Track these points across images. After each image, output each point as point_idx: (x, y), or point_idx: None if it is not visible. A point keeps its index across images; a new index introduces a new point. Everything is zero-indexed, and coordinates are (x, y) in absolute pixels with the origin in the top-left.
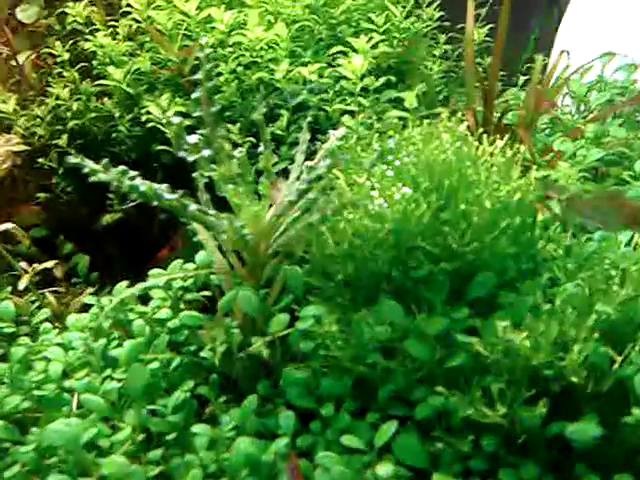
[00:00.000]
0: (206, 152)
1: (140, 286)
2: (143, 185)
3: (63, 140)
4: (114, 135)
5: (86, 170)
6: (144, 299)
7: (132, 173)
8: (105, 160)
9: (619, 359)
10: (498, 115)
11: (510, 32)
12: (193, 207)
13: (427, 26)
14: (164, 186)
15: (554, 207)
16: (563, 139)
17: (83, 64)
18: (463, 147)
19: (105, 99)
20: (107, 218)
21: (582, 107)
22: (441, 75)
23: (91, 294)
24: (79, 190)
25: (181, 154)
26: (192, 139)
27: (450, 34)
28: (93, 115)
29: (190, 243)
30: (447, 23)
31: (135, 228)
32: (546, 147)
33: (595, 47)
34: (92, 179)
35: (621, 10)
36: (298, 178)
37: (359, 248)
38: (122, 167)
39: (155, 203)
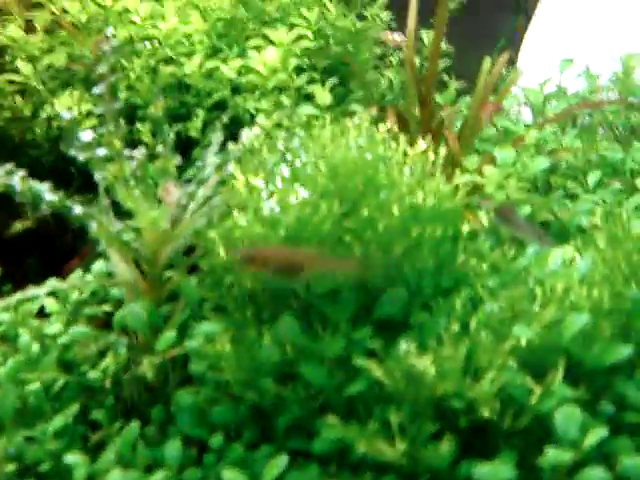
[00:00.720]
0: (100, 151)
1: (17, 296)
2: (19, 184)
3: None
4: (29, 137)
5: None
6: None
7: (20, 173)
8: None
9: (539, 390)
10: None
11: (476, 39)
12: (77, 210)
13: (372, 28)
14: (45, 185)
15: (481, 217)
16: (504, 146)
17: None
18: (375, 147)
19: (17, 97)
20: (17, 226)
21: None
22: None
23: None
24: None
25: (72, 153)
26: (86, 136)
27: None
28: (7, 115)
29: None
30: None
31: (50, 237)
32: (486, 155)
33: (561, 55)
34: None
35: (587, 17)
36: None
37: None
38: (9, 166)
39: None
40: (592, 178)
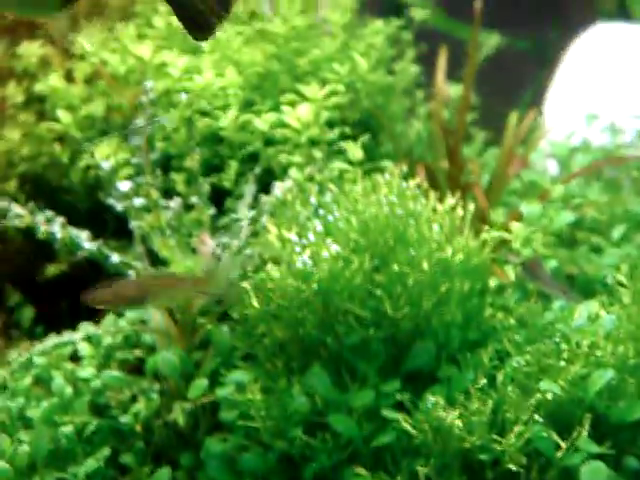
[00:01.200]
0: (137, 201)
1: (53, 341)
2: (60, 232)
3: (11, 185)
4: (66, 182)
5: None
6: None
7: (59, 220)
8: (31, 204)
9: (564, 445)
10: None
11: (501, 91)
12: (115, 258)
13: (401, 81)
14: (84, 234)
15: (509, 272)
16: (530, 201)
17: (38, 106)
18: (404, 203)
19: (56, 144)
20: (52, 269)
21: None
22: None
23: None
24: (30, 239)
25: (110, 202)
26: (124, 186)
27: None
28: (45, 160)
29: None
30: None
31: (84, 280)
32: (513, 210)
33: (585, 106)
34: (6, 223)
35: (612, 71)
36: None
37: (285, 309)
38: (49, 213)
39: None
40: (617, 232)
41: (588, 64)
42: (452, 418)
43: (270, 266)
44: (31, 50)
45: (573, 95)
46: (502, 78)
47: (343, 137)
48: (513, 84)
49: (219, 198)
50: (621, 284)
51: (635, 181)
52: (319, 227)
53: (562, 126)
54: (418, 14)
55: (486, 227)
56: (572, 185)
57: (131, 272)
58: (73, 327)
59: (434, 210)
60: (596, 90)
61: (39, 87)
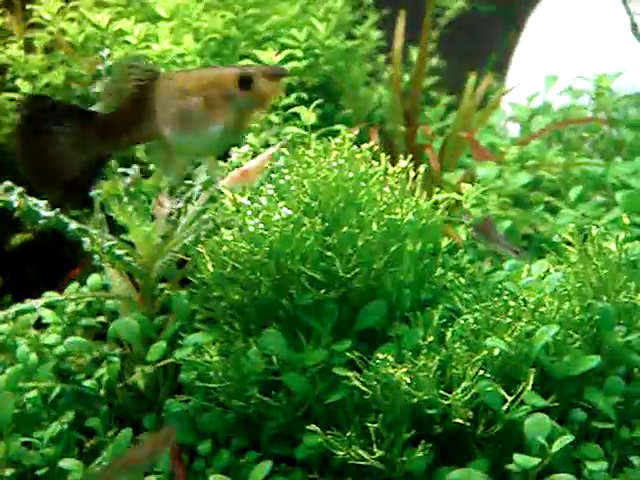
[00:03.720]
0: None
1: (15, 308)
2: (17, 201)
3: None
4: None
5: None
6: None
7: (18, 189)
8: None
9: (510, 399)
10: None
11: (467, 55)
12: (73, 226)
13: (362, 46)
14: (42, 203)
15: (461, 232)
16: (486, 163)
17: None
18: (355, 166)
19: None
20: (16, 239)
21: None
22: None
23: None
24: None
25: None
26: None
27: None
28: (8, 131)
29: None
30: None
31: (49, 248)
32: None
33: (550, 69)
34: None
35: (577, 32)
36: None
37: (240, 272)
38: (8, 183)
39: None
40: (573, 193)
41: (553, 26)
42: (399, 374)
43: (223, 230)
44: None
45: (539, 57)
46: (469, 41)
47: (300, 102)
48: (480, 47)
49: None
50: (569, 243)
51: (594, 142)
52: (271, 191)
53: (526, 88)
54: None
55: (437, 189)
56: (530, 147)
57: (86, 239)
58: (39, 295)
59: (386, 172)
60: (561, 52)
61: None
